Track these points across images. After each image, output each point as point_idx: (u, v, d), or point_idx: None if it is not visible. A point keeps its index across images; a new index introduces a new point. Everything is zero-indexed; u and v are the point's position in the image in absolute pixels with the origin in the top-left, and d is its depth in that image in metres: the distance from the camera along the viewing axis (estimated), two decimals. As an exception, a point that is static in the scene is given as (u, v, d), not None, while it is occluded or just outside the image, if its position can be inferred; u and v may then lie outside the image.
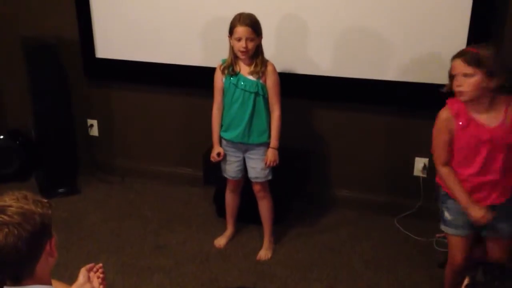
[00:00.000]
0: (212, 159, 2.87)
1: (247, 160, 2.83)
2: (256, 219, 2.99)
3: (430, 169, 3.18)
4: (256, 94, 2.69)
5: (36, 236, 1.40)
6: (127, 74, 3.56)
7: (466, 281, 1.40)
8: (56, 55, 3.45)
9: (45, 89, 3.43)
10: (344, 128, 3.29)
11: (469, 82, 2.10)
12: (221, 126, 2.82)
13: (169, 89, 3.53)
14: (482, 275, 1.36)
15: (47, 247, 1.45)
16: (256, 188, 2.87)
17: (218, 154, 2.84)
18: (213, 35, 3.21)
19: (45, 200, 1.47)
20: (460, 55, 2.14)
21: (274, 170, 2.85)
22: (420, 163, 3.20)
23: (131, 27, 3.42)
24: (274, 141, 2.76)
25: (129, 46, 3.47)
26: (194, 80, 3.35)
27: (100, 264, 1.77)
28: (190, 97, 3.50)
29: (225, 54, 2.73)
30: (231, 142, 2.81)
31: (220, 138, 2.84)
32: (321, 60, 3.12)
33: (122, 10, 3.41)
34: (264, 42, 2.71)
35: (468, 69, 2.09)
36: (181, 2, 3.27)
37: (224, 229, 3.11)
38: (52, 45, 3.44)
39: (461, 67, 2.11)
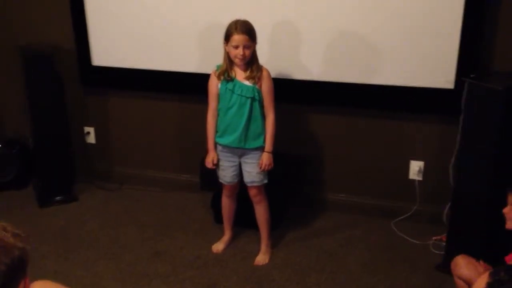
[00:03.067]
0: (207, 165, 2.88)
1: (243, 165, 2.85)
2: (253, 224, 3.00)
3: (426, 172, 3.21)
4: (253, 99, 2.71)
5: (12, 272, 1.30)
6: (124, 82, 3.57)
7: (485, 279, 1.35)
8: (53, 64, 3.46)
9: (42, 97, 3.44)
10: (339, 132, 3.30)
11: None
12: (216, 131, 2.83)
13: (165, 96, 3.55)
14: (506, 274, 1.32)
15: (20, 286, 1.35)
16: (252, 192, 2.88)
17: (213, 161, 2.85)
18: (209, 41, 3.22)
19: (24, 234, 1.37)
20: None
21: (271, 175, 2.86)
22: (415, 166, 3.22)
23: (127, 35, 3.44)
24: (268, 145, 2.78)
25: (125, 54, 3.48)
26: (191, 86, 3.36)
27: None
28: (186, 103, 3.51)
29: (221, 60, 2.75)
30: (227, 148, 2.82)
31: (215, 143, 2.86)
32: (315, 65, 3.14)
33: (118, 18, 3.42)
34: (258, 48, 2.73)
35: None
36: (176, 9, 3.29)
37: (221, 234, 3.12)
38: (49, 54, 3.45)
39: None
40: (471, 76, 2.66)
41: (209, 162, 2.86)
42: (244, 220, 3.10)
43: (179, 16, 3.29)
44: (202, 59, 3.31)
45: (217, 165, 2.87)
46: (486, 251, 2.36)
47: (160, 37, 3.37)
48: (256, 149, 2.79)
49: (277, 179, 2.98)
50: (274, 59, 3.13)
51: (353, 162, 3.33)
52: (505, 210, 2.13)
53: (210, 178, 3.00)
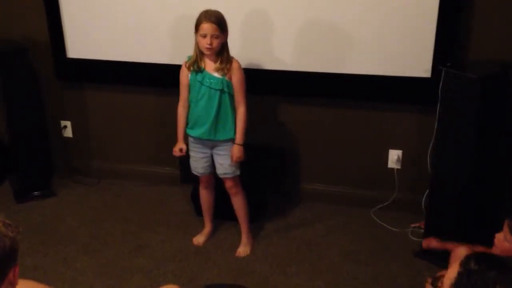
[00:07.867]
0: (174, 153, 2.89)
1: (214, 157, 2.84)
2: (233, 216, 3.00)
3: (404, 161, 3.24)
4: (222, 91, 2.70)
5: (3, 261, 1.32)
6: (99, 74, 3.52)
7: (455, 269, 1.34)
8: (26, 57, 3.40)
9: (17, 91, 3.38)
10: (317, 122, 3.31)
11: None
12: (187, 123, 2.82)
13: (142, 88, 3.51)
14: (476, 264, 1.31)
15: (10, 275, 1.37)
16: (228, 184, 2.88)
17: (181, 150, 2.86)
18: (183, 32, 3.18)
19: (15, 225, 1.39)
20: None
21: (249, 167, 2.86)
22: (394, 155, 3.24)
23: (102, 27, 3.38)
24: (239, 138, 2.76)
25: (100, 46, 3.43)
26: (167, 78, 3.32)
27: None
28: (163, 95, 3.48)
29: (194, 51, 2.72)
30: (198, 139, 2.81)
31: (187, 135, 2.84)
32: (289, 55, 3.13)
33: (92, 9, 3.36)
34: (230, 39, 2.71)
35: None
36: (150, 0, 3.25)
37: (202, 227, 3.11)
38: (22, 47, 3.39)
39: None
40: (448, 64, 2.68)
41: (175, 151, 2.88)
42: (225, 212, 3.10)
43: (153, 6, 3.25)
44: (177, 50, 3.27)
45: (188, 155, 2.86)
46: (463, 238, 2.40)
47: (134, 29, 3.32)
48: (227, 141, 2.78)
49: (255, 171, 2.98)
50: (246, 49, 3.11)
51: (331, 152, 3.35)
52: (498, 236, 2.00)
53: (190, 171, 2.99)
